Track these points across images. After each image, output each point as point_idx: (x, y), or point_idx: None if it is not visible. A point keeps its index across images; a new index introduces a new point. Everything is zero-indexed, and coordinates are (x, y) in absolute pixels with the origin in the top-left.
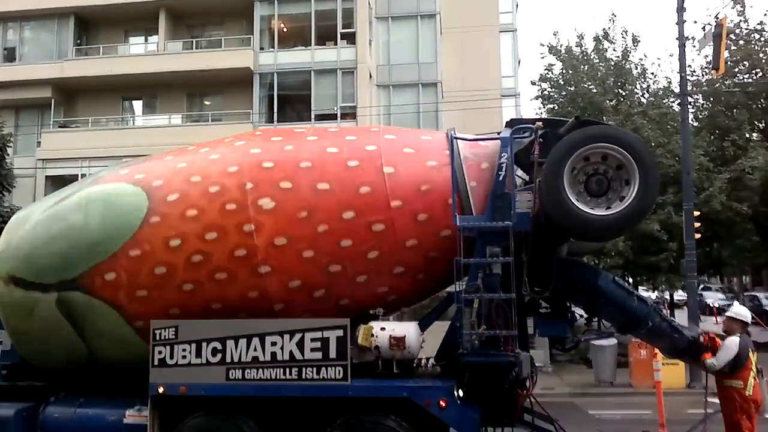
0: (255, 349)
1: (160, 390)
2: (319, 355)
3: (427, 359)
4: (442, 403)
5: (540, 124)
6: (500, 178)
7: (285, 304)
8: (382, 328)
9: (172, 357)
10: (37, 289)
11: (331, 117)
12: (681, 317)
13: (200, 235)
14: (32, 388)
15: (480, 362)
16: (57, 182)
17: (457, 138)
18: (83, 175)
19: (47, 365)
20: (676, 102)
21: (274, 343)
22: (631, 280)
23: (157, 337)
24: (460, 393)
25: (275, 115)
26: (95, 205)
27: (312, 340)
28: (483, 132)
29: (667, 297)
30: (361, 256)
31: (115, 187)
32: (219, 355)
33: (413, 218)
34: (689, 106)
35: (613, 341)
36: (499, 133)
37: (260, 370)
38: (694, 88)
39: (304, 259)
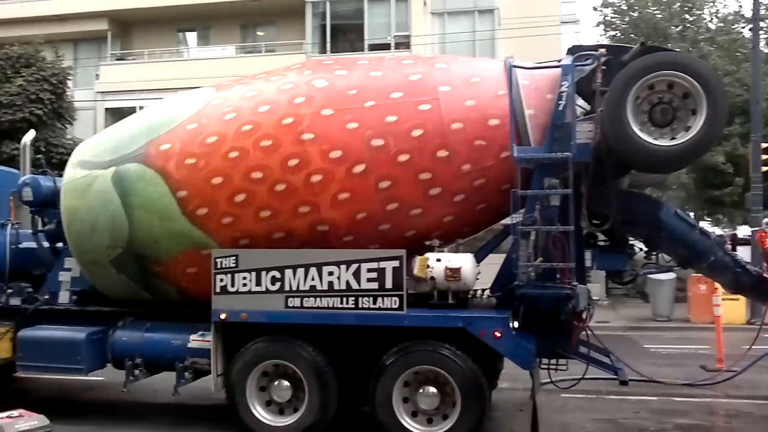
0: (312, 279)
1: (222, 316)
2: (375, 285)
3: (483, 291)
4: (497, 334)
5: (603, 51)
6: (560, 108)
7: (323, 176)
8: (438, 260)
9: (233, 285)
10: (97, 167)
11: (385, 47)
12: (744, 254)
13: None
14: (101, 313)
15: (536, 294)
16: (116, 114)
17: (515, 66)
18: (141, 107)
19: (92, 247)
20: (747, 27)
21: (331, 273)
22: (692, 214)
23: (218, 266)
24: (515, 324)
25: (328, 45)
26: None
27: (368, 270)
28: (541, 61)
29: (734, 233)
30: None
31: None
32: (278, 284)
33: (470, 144)
34: (761, 32)
35: (671, 275)
36: (559, 61)
37: (318, 298)
38: None
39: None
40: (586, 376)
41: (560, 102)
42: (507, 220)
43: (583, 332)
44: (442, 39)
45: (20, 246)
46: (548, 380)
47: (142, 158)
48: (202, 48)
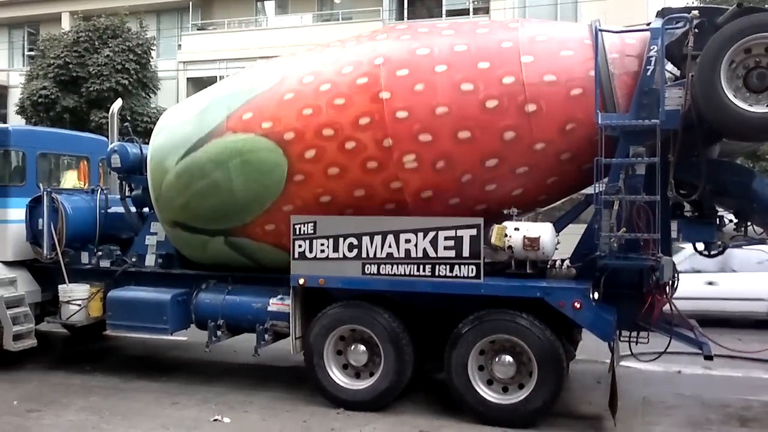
0: (389, 246)
1: (301, 281)
2: (452, 253)
3: (562, 261)
4: (577, 305)
5: (696, 12)
6: (648, 73)
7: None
8: (516, 229)
9: (311, 251)
10: (202, 234)
11: (463, 12)
12: None
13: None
14: (185, 276)
15: (618, 265)
16: (197, 84)
17: (601, 30)
18: (221, 77)
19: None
20: None
21: (408, 241)
22: None
23: (297, 232)
24: (596, 295)
25: (405, 11)
26: (234, 164)
27: (445, 238)
28: (628, 24)
29: None
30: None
31: (248, 143)
32: (355, 251)
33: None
34: None
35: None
36: (648, 24)
37: (394, 265)
38: None
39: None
40: (668, 350)
41: (648, 67)
42: (588, 190)
43: (667, 305)
44: (522, 3)
45: (109, 211)
46: (628, 353)
47: (251, 236)
48: (280, 17)
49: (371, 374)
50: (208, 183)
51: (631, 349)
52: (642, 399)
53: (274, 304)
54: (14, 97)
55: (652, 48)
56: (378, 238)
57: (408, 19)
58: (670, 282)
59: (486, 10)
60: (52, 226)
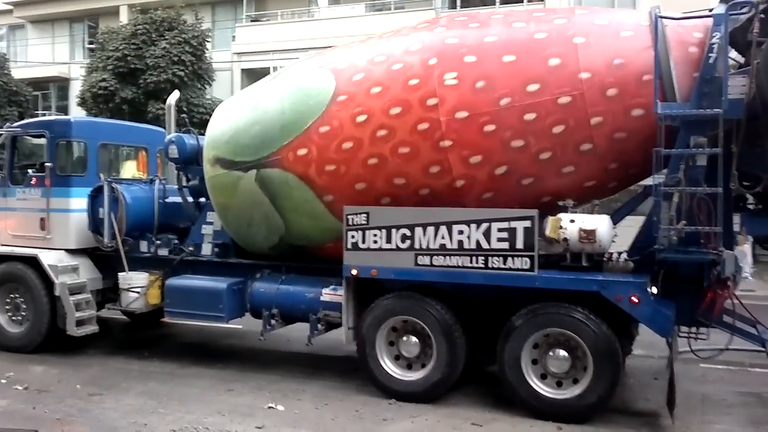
0: (442, 237)
1: (353, 272)
2: (505, 245)
3: (619, 254)
4: (635, 299)
5: None
6: (711, 61)
7: (465, 181)
8: (572, 221)
9: (363, 241)
10: (238, 169)
11: (517, 0)
12: None
13: (385, 111)
14: (241, 265)
15: (678, 259)
16: (251, 75)
17: (661, 17)
18: (275, 68)
19: (251, 242)
20: None
21: (461, 232)
22: None
23: (350, 222)
24: (654, 290)
25: (458, 1)
26: (287, 90)
27: (499, 230)
28: (688, 10)
29: None
30: (546, 131)
31: (304, 71)
32: (408, 242)
33: (602, 93)
34: None
35: None
36: (711, 10)
37: (447, 257)
38: None
39: (486, 134)
40: (729, 347)
41: (711, 54)
42: (648, 181)
43: (728, 300)
44: None
45: (167, 200)
46: (687, 349)
47: (283, 164)
48: (332, 7)
49: (423, 366)
50: (258, 111)
51: (690, 346)
52: (701, 396)
53: (327, 294)
54: (75, 89)
55: (714, 35)
56: (431, 229)
57: (461, 8)
58: (733, 277)
59: None
60: (112, 215)
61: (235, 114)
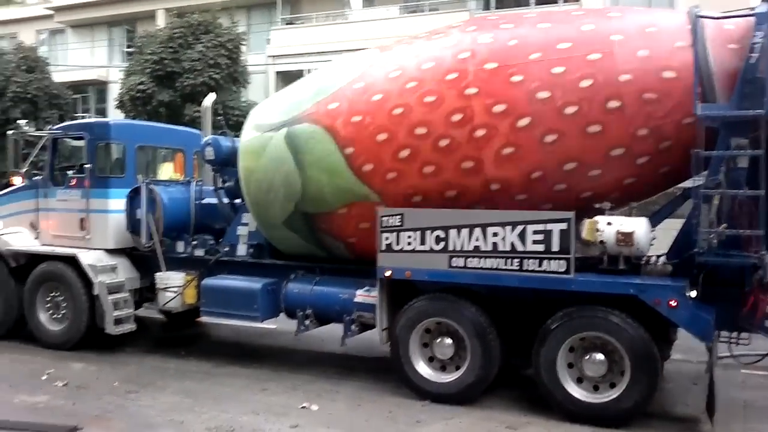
0: (477, 239)
1: (387, 273)
2: (541, 247)
3: (657, 257)
4: (673, 303)
5: None
6: (752, 61)
7: (486, 131)
8: (609, 223)
9: (398, 243)
10: (271, 130)
11: (552, 1)
12: None
13: (418, 66)
14: (275, 266)
15: (718, 262)
16: (285, 78)
17: (701, 17)
18: (309, 71)
19: (267, 213)
20: None
21: (495, 234)
22: None
23: (384, 224)
24: (693, 294)
25: (492, 2)
26: (327, 65)
27: (534, 232)
28: (729, 10)
29: None
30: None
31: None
32: (442, 243)
33: (643, 100)
34: None
35: None
36: (753, 9)
37: (481, 259)
38: None
39: (512, 84)
40: None
41: (753, 54)
42: (687, 183)
43: None
44: None
45: (203, 201)
46: (727, 354)
47: (312, 117)
48: (366, 9)
49: (457, 368)
50: (297, 83)
51: (731, 351)
52: (743, 402)
53: (361, 296)
54: (113, 92)
55: (757, 34)
56: (465, 231)
57: (495, 9)
58: None
59: None
60: (150, 216)
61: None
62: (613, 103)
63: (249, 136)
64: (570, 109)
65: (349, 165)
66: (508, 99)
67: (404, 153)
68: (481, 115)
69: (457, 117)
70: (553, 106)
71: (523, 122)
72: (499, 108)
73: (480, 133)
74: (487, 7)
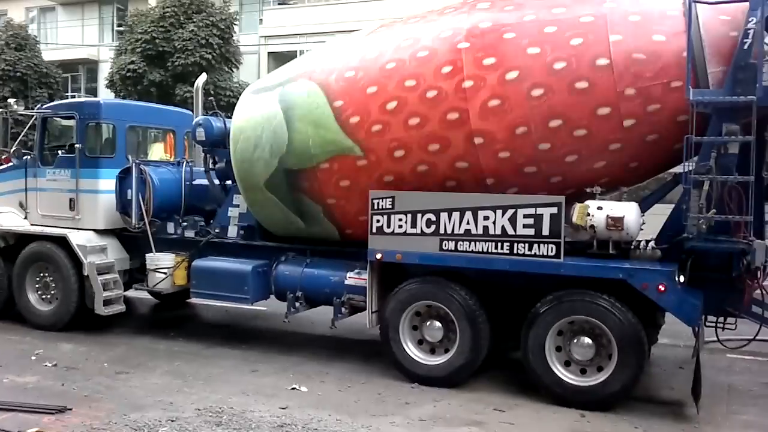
0: (468, 223)
1: (378, 256)
2: (531, 231)
3: (647, 242)
4: (661, 288)
5: None
6: (745, 47)
7: (474, 83)
8: (599, 208)
9: (389, 226)
10: (266, 90)
11: None
12: None
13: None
14: (266, 248)
15: (707, 248)
16: (278, 59)
17: (695, 1)
18: (301, 51)
19: (252, 172)
20: None
21: (486, 218)
22: None
23: (375, 207)
24: (682, 278)
25: None
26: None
27: (525, 216)
28: None
29: None
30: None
31: None
32: (433, 227)
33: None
34: None
35: None
36: None
37: (472, 242)
38: None
39: (505, 40)
40: (758, 338)
41: (746, 40)
42: (677, 168)
43: (758, 291)
44: None
45: (194, 183)
46: (714, 339)
47: (306, 75)
48: None
49: (446, 350)
50: None
51: (717, 335)
52: (727, 387)
53: (351, 278)
54: (104, 72)
55: (750, 20)
56: (456, 215)
57: None
58: (762, 266)
59: None
60: (140, 196)
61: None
62: (602, 61)
63: (244, 99)
64: (558, 65)
65: (336, 117)
66: (498, 53)
67: (391, 105)
68: (470, 67)
69: (447, 69)
70: (542, 61)
71: (512, 75)
72: (489, 61)
73: (468, 84)
74: None
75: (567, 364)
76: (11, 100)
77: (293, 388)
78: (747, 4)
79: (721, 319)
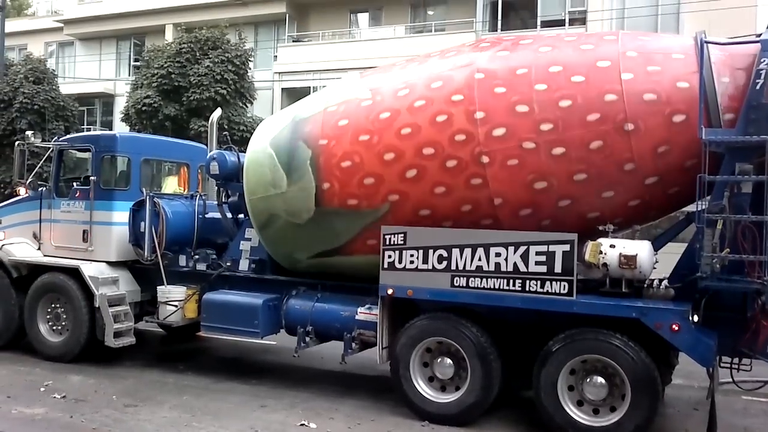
0: (479, 259)
1: (389, 291)
2: (543, 268)
3: (660, 281)
4: (675, 327)
5: None
6: (757, 87)
7: None
8: (612, 246)
9: (400, 261)
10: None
11: (559, 23)
12: None
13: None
14: (277, 282)
15: (721, 287)
16: (292, 94)
17: (707, 42)
18: (315, 88)
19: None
20: None
21: (498, 254)
22: None
23: (387, 242)
24: (696, 318)
25: (499, 23)
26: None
27: (537, 253)
28: (734, 36)
29: None
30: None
31: None
32: (445, 263)
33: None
34: None
35: None
36: (759, 35)
37: (484, 279)
38: None
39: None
40: None
41: (758, 81)
42: (690, 207)
43: None
44: (620, 14)
45: (206, 216)
46: (729, 380)
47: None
48: (373, 28)
49: (457, 388)
50: None
51: (732, 377)
52: (743, 429)
53: (362, 313)
54: (120, 105)
55: (762, 60)
56: (468, 251)
57: (501, 30)
58: None
59: (582, 21)
60: (153, 229)
61: None
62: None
63: (258, 134)
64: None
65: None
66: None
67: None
68: (462, 122)
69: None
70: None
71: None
72: (479, 114)
73: (451, 163)
74: (494, 28)
75: (579, 403)
76: (29, 133)
77: (302, 425)
78: (759, 45)
79: (736, 360)
